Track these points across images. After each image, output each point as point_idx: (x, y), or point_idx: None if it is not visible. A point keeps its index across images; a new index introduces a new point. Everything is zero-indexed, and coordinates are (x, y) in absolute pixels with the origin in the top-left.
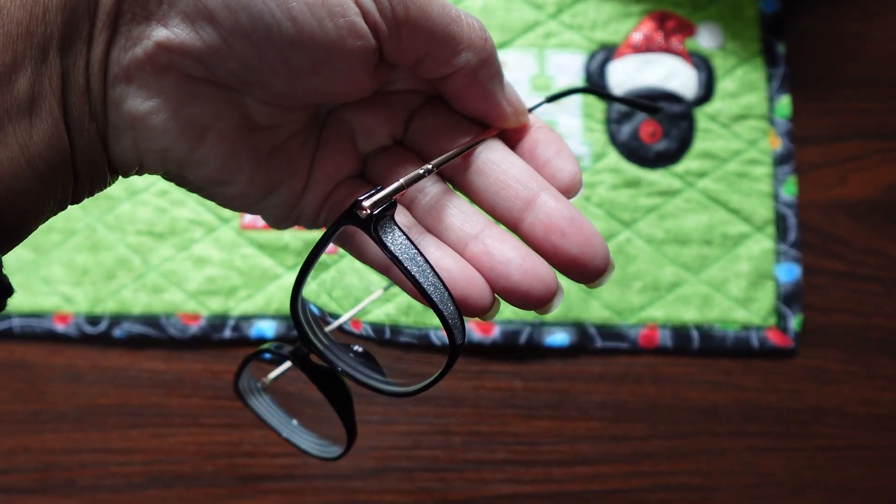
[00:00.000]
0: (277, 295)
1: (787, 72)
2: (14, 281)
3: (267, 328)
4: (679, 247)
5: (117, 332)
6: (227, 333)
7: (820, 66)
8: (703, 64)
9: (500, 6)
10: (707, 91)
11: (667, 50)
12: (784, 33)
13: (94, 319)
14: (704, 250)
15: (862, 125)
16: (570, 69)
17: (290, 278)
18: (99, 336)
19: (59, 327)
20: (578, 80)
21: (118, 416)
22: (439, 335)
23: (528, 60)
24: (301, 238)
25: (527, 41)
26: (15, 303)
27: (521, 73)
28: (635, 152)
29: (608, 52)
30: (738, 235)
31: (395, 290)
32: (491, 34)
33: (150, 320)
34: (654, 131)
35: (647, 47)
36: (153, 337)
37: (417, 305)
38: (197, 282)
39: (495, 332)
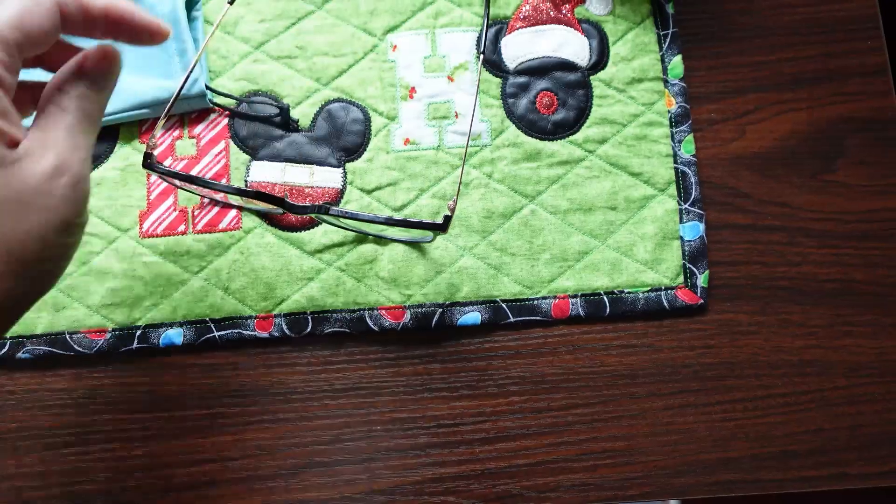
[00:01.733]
0: (184, 301)
1: (678, 32)
2: None
3: (175, 335)
4: (584, 215)
5: (21, 354)
6: (135, 345)
7: (710, 22)
8: (594, 31)
9: None
10: (601, 56)
11: (557, 20)
12: None
13: None
14: (610, 216)
15: (756, 77)
16: (462, 47)
17: (196, 283)
18: (2, 359)
19: None
20: (471, 58)
21: (30, 440)
22: (376, 316)
23: (420, 42)
24: (204, 241)
25: (417, 22)
26: None
27: (413, 55)
28: (534, 124)
29: (500, 26)
30: (641, 198)
31: (320, 264)
32: (382, 18)
33: (55, 339)
34: (551, 102)
35: (537, 19)
36: (59, 355)
37: (348, 281)
38: (100, 295)
39: (406, 317)
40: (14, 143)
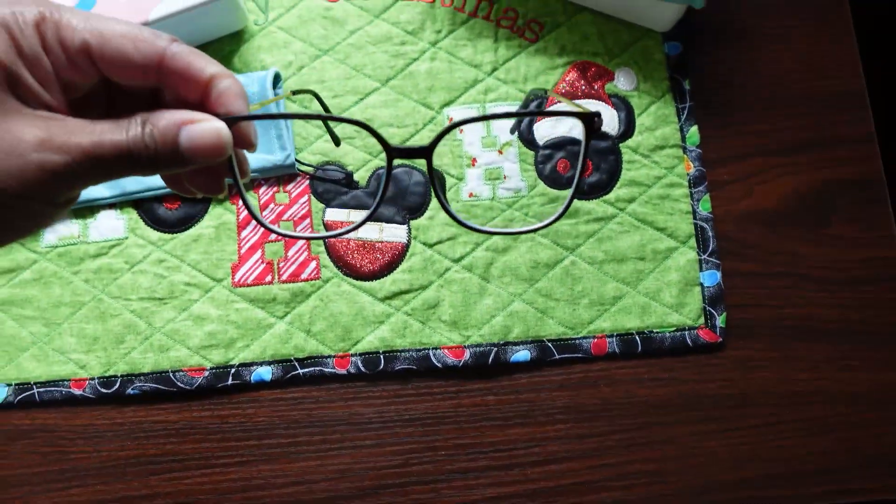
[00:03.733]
0: (271, 342)
1: (693, 105)
2: (29, 354)
3: (265, 372)
4: (617, 265)
5: (130, 391)
6: (230, 381)
7: (720, 96)
8: (622, 104)
9: (443, 68)
10: (629, 127)
11: (590, 95)
12: (688, 71)
13: (107, 381)
14: (639, 265)
15: (761, 144)
16: (507, 129)
17: (282, 327)
18: (114, 395)
19: (77, 391)
20: (513, 138)
21: (137, 467)
22: (440, 355)
23: (478, 127)
24: (288, 289)
25: (470, 97)
26: (33, 373)
27: (474, 135)
28: (555, 182)
29: (540, 99)
30: (666, 250)
31: (389, 309)
32: (438, 94)
33: (160, 377)
34: (566, 165)
35: (573, 94)
36: (164, 391)
37: (414, 324)
38: (199, 338)
39: (466, 356)
40: (37, 100)
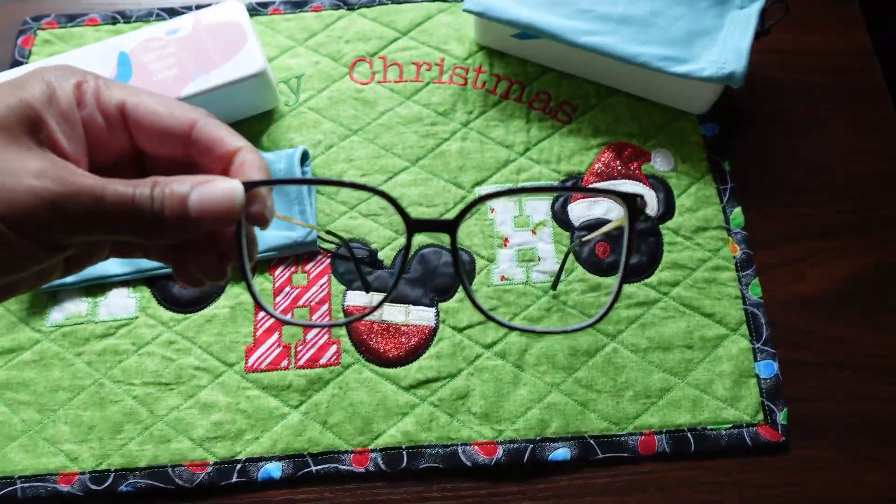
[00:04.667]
0: (284, 434)
1: (735, 187)
2: (18, 443)
3: (274, 469)
4: (663, 353)
5: (123, 488)
6: (234, 478)
7: (761, 179)
8: (660, 185)
9: (474, 148)
10: (668, 208)
11: (628, 175)
12: (726, 153)
13: (99, 476)
14: (687, 354)
15: (807, 226)
16: (541, 209)
17: (296, 417)
18: (105, 492)
19: (64, 488)
20: (548, 217)
21: None
22: (469, 452)
23: (510, 206)
24: (305, 376)
25: (502, 177)
26: (19, 466)
27: (506, 214)
28: (594, 266)
29: (576, 179)
30: (715, 337)
31: (414, 399)
32: (469, 173)
33: (157, 472)
34: (605, 249)
35: (609, 174)
36: (160, 489)
37: (442, 416)
38: (204, 428)
39: (499, 453)
40: (55, 148)
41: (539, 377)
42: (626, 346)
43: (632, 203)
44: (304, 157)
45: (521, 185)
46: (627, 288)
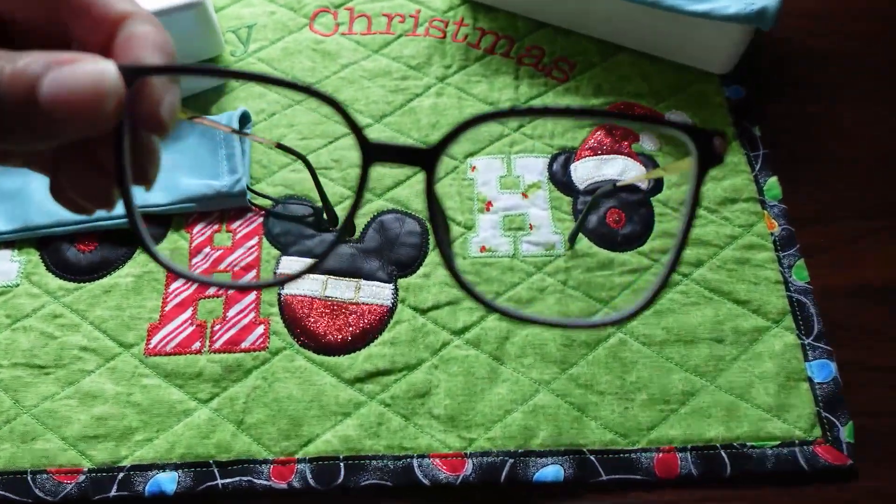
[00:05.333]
0: (185, 435)
1: (769, 153)
2: None
3: (167, 481)
4: (685, 347)
5: None
6: (113, 492)
7: (798, 148)
8: (650, 162)
9: (451, 104)
10: (657, 182)
11: (618, 152)
12: (756, 118)
13: None
14: (717, 350)
15: (856, 203)
16: (535, 168)
17: (204, 414)
18: None
19: None
20: (544, 179)
21: None
22: (428, 467)
23: (496, 164)
24: (221, 362)
25: (494, 149)
26: None
27: (490, 174)
28: (604, 237)
29: (569, 153)
30: (753, 330)
31: (359, 396)
32: (443, 131)
33: (12, 480)
34: (619, 218)
35: (601, 150)
36: (14, 501)
37: (394, 419)
38: (82, 424)
39: (467, 468)
40: None
41: (523, 372)
42: (637, 338)
43: (704, 141)
44: (245, 122)
45: (531, 105)
46: (621, 257)
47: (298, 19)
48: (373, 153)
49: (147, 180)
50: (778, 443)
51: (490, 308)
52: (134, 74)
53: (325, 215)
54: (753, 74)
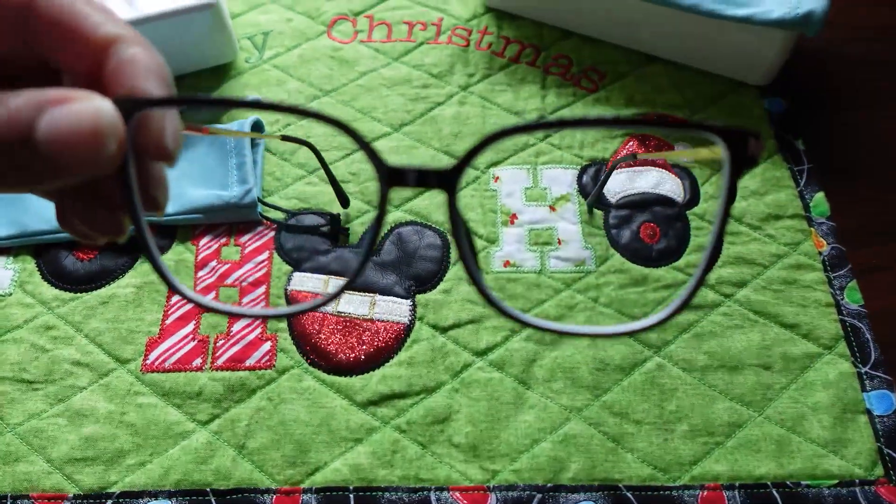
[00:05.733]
0: (182, 460)
1: (813, 167)
2: None
3: None
4: (729, 374)
5: None
6: None
7: (845, 162)
8: (685, 173)
9: (474, 113)
10: (694, 194)
11: (652, 164)
12: (799, 131)
13: None
14: (764, 377)
15: None
16: (563, 180)
17: (202, 437)
18: None
19: None
20: (573, 191)
21: None
22: (448, 500)
23: (522, 175)
24: (223, 380)
25: (519, 159)
26: None
27: (514, 185)
28: (638, 253)
29: (600, 165)
30: (803, 356)
31: (372, 421)
32: (466, 141)
33: None
34: (654, 232)
35: (633, 162)
36: None
37: (410, 447)
38: (70, 445)
39: (491, 503)
40: None
41: (552, 398)
42: (676, 363)
43: (737, 144)
44: (260, 130)
45: (559, 117)
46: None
47: (316, 26)
48: (391, 177)
49: (158, 207)
50: (836, 482)
51: (521, 323)
52: (130, 107)
53: (337, 197)
54: (794, 85)
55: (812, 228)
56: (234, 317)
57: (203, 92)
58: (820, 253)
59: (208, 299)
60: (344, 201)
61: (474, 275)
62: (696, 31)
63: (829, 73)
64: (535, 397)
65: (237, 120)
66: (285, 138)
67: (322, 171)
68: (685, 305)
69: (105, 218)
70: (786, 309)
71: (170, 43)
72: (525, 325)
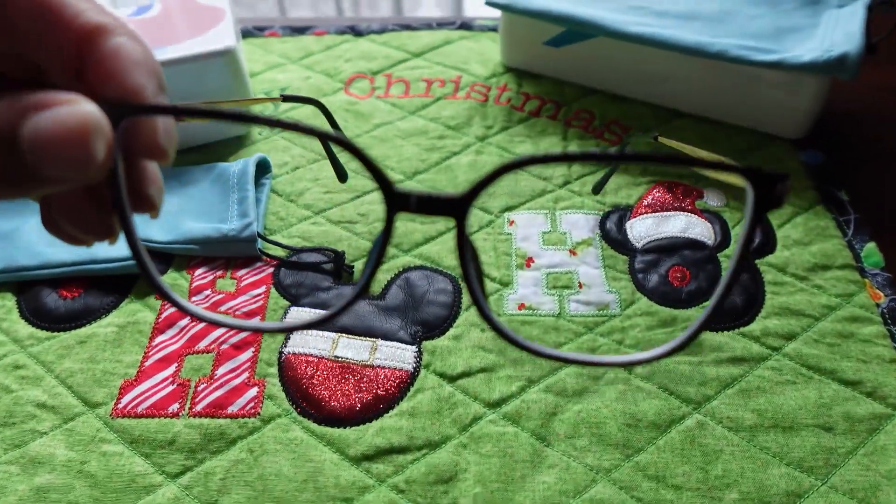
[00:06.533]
0: None
1: (859, 217)
2: None
3: None
4: (784, 436)
5: None
6: None
7: (893, 211)
8: (715, 218)
9: (492, 162)
10: (724, 237)
11: (680, 209)
12: (840, 183)
13: None
14: (825, 440)
15: None
16: (584, 225)
17: (170, 492)
18: None
19: None
20: (595, 236)
21: None
22: None
23: (539, 219)
24: (200, 428)
25: (537, 204)
26: None
27: (531, 229)
28: (666, 296)
29: (623, 211)
30: (870, 417)
31: (366, 478)
32: (499, 200)
33: None
34: (683, 275)
35: (661, 207)
36: None
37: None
38: (17, 496)
39: None
40: None
41: (575, 457)
42: (720, 421)
43: (761, 182)
44: (266, 171)
45: (572, 150)
46: (714, 337)
47: (334, 84)
48: (398, 202)
49: (153, 206)
50: None
51: (537, 354)
52: (120, 113)
53: (334, 171)
54: (829, 137)
55: (866, 280)
56: (223, 327)
57: (212, 130)
58: (878, 305)
59: (198, 308)
60: (341, 175)
61: (479, 302)
62: (725, 85)
63: (862, 126)
64: (555, 455)
65: (242, 158)
66: (286, 98)
67: (329, 212)
68: (716, 313)
69: (94, 217)
70: (844, 364)
71: (188, 87)
72: (541, 356)
